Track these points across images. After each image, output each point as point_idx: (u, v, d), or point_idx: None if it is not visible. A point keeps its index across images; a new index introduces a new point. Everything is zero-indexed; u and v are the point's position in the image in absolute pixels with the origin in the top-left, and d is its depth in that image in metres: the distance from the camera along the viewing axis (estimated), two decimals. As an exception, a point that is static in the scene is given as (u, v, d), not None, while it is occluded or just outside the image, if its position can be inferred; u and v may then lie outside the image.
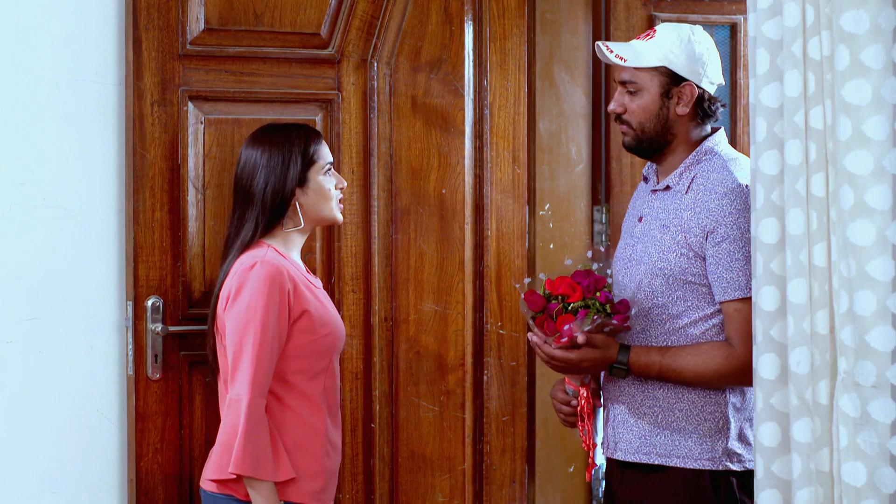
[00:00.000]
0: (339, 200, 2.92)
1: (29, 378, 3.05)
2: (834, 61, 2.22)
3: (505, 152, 3.43)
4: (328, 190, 2.88)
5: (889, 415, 2.20)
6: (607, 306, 2.73)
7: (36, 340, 3.06)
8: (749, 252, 2.70)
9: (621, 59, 2.82)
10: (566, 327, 2.70)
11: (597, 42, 2.90)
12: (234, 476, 2.69)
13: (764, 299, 2.41)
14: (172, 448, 3.12)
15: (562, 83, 3.67)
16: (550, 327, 2.73)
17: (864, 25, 2.18)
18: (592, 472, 2.99)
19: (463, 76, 3.39)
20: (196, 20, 3.14)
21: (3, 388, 3.04)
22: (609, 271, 2.84)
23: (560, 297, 2.73)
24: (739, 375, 2.71)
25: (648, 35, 2.84)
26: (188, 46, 3.13)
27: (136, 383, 3.09)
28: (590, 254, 2.88)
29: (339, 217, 2.92)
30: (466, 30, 3.39)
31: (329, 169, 2.88)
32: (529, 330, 2.80)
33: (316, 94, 3.26)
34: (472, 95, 3.40)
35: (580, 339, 2.70)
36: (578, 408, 2.87)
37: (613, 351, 2.76)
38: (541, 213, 3.67)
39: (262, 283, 2.72)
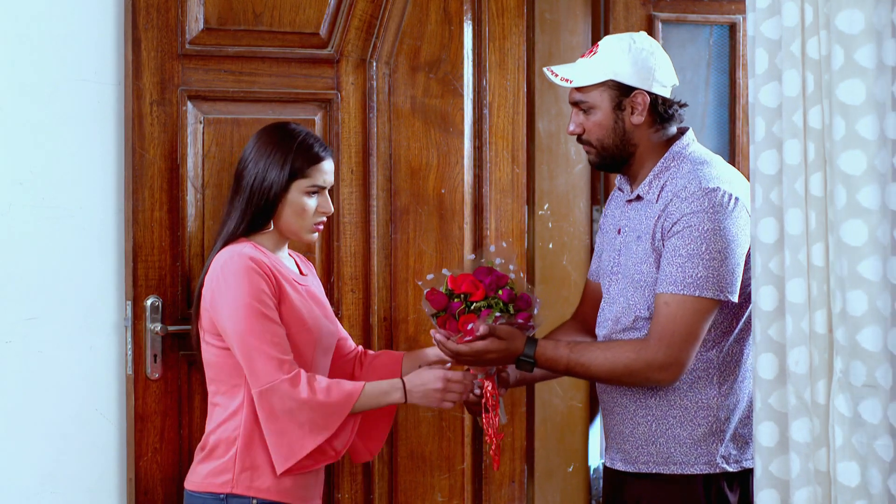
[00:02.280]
0: (319, 223, 2.86)
1: (28, 378, 3.05)
2: (831, 61, 2.22)
3: (504, 152, 3.43)
4: (304, 210, 2.82)
5: (877, 415, 2.20)
6: (510, 305, 2.74)
7: (35, 340, 3.06)
8: (702, 251, 2.67)
9: (567, 80, 2.81)
10: (469, 326, 2.70)
11: (542, 68, 2.90)
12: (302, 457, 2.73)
13: (763, 299, 2.42)
14: (172, 448, 3.12)
15: (561, 83, 3.67)
16: (452, 326, 2.73)
17: (858, 25, 2.18)
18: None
19: (462, 76, 3.39)
20: (195, 20, 3.14)
21: (2, 388, 3.04)
22: (512, 266, 2.82)
23: (463, 296, 2.73)
24: (652, 371, 2.69)
25: (592, 52, 2.83)
26: (187, 46, 3.13)
27: (136, 383, 3.09)
28: (492, 248, 2.87)
29: (308, 238, 2.88)
30: (465, 29, 3.39)
31: (315, 191, 2.83)
32: (432, 327, 2.79)
33: (315, 93, 3.25)
34: (471, 95, 3.40)
35: (481, 329, 2.70)
36: (483, 399, 2.85)
37: (520, 343, 2.74)
38: (540, 212, 3.67)
39: (237, 275, 2.73)
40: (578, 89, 2.81)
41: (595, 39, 3.69)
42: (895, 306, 2.18)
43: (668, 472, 2.78)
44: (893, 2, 2.16)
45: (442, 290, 2.77)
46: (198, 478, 2.82)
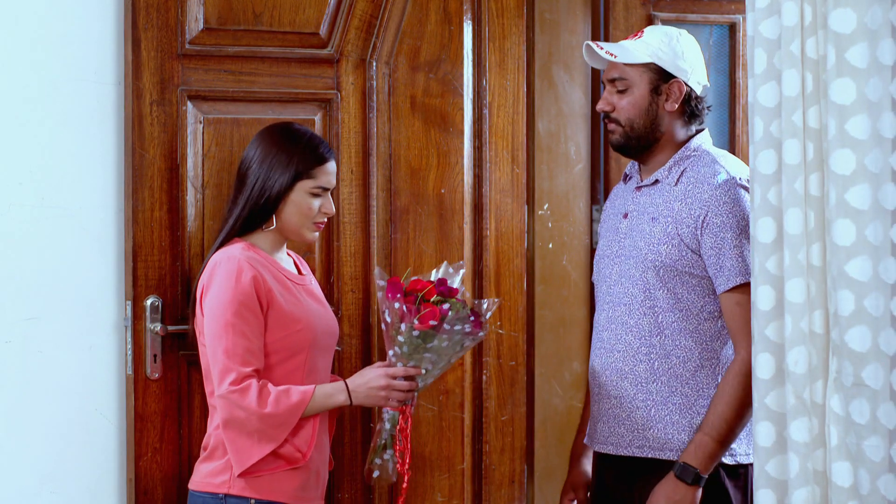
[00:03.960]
0: (320, 223, 2.89)
1: (28, 378, 3.05)
2: (826, 61, 2.22)
3: (504, 152, 3.43)
4: (307, 209, 2.85)
5: (864, 415, 2.20)
6: (469, 308, 2.80)
7: (35, 340, 3.06)
8: (739, 241, 2.72)
9: (611, 55, 2.86)
10: (439, 316, 2.75)
11: (586, 42, 2.93)
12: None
13: (760, 299, 2.42)
14: (171, 448, 3.12)
15: (561, 83, 3.68)
16: (412, 307, 2.76)
17: (850, 24, 2.18)
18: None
19: (462, 76, 3.39)
20: (195, 20, 3.14)
21: (2, 388, 3.04)
22: (458, 285, 2.87)
23: (418, 296, 2.78)
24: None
25: (637, 35, 2.90)
26: (187, 46, 3.13)
27: (136, 383, 3.09)
28: (451, 270, 2.91)
29: (309, 238, 2.90)
30: (465, 29, 3.39)
31: (319, 192, 2.86)
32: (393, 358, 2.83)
33: (315, 93, 3.26)
34: (470, 95, 3.40)
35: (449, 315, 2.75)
36: (398, 429, 2.86)
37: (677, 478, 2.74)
38: (540, 212, 3.67)
39: (227, 279, 2.76)
40: (618, 66, 2.85)
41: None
42: (889, 307, 2.18)
43: (664, 458, 2.80)
44: (893, 1, 2.16)
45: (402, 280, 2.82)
46: (199, 477, 2.85)
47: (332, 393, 2.79)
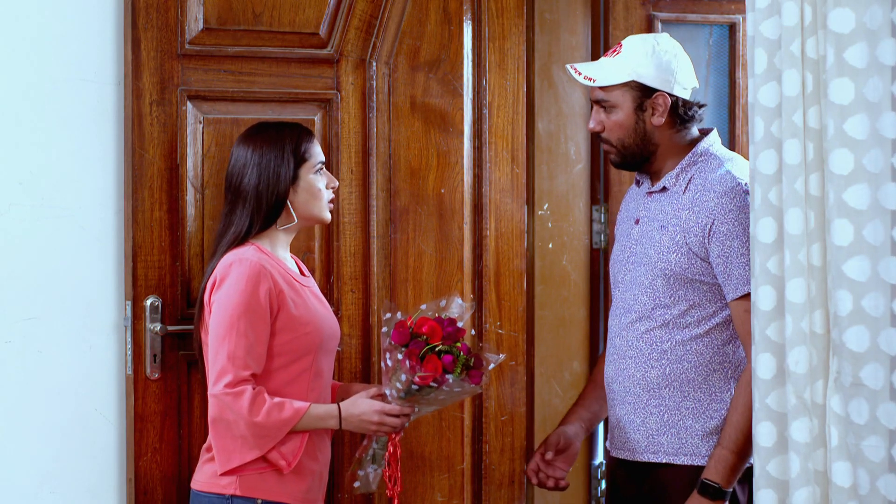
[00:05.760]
0: (330, 200, 2.93)
1: (27, 378, 3.06)
2: (826, 61, 2.22)
3: (504, 152, 3.42)
4: (319, 189, 2.89)
5: (863, 415, 2.20)
6: (472, 360, 2.83)
7: (34, 340, 3.06)
8: (745, 248, 2.71)
9: (590, 79, 2.84)
10: (443, 377, 2.79)
11: (566, 65, 2.92)
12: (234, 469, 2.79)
13: (761, 299, 2.42)
14: (171, 448, 3.12)
15: (560, 83, 3.68)
16: (414, 359, 2.80)
17: (849, 25, 2.18)
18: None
19: (462, 76, 3.39)
20: (195, 20, 3.14)
21: (2, 388, 3.04)
22: (461, 324, 2.88)
23: (424, 338, 2.81)
24: None
25: (615, 51, 2.85)
26: (187, 46, 3.13)
27: (135, 383, 3.09)
28: (459, 301, 2.92)
29: (328, 216, 2.93)
30: (465, 29, 3.39)
31: (320, 168, 2.90)
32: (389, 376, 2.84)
33: (315, 93, 3.26)
34: (470, 95, 3.40)
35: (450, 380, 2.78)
36: (387, 454, 2.90)
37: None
38: (540, 212, 3.67)
39: (239, 281, 2.76)
40: (601, 88, 2.82)
41: (595, 39, 3.69)
42: (891, 307, 2.18)
43: (679, 463, 2.80)
44: (893, 1, 2.16)
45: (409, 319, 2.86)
46: (204, 478, 2.84)
47: (324, 416, 2.82)
